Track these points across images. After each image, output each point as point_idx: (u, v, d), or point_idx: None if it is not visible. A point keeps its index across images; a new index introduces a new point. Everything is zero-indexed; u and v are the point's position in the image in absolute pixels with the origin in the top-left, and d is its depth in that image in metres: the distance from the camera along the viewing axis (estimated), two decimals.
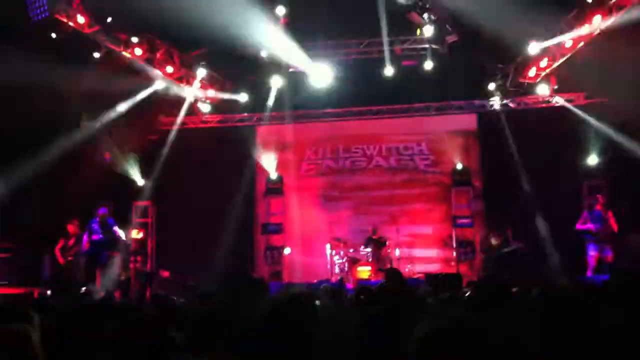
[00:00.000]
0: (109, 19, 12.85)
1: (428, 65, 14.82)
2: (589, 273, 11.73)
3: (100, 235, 12.62)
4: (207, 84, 15.70)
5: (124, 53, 13.60)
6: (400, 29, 15.15)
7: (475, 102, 15.32)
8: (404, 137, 15.69)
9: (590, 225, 11.97)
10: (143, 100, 14.67)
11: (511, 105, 15.33)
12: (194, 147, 15.45)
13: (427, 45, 15.09)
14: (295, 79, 15.65)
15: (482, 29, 13.38)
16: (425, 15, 14.39)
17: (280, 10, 14.08)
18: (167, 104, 15.69)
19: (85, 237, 12.58)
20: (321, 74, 15.18)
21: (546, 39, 14.06)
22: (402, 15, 14.62)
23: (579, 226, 12.18)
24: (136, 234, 15.26)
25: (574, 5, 13.21)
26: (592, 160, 14.11)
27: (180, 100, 15.67)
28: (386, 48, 14.78)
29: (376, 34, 15.29)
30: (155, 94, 14.84)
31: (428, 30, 14.40)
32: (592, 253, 11.91)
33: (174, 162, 15.24)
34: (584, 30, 13.39)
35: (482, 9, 13.05)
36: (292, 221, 15.58)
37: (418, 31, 15.14)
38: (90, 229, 12.60)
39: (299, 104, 15.93)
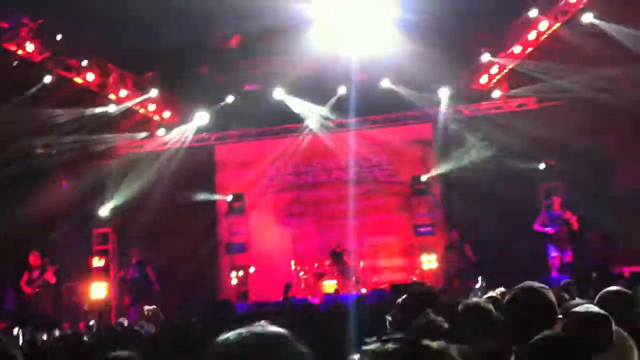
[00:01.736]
0: (59, 41, 12.67)
1: (383, 79, 14.97)
2: (554, 273, 11.91)
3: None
4: (162, 105, 15.60)
5: (76, 79, 13.45)
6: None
7: (429, 111, 15.47)
8: (361, 149, 15.76)
9: (548, 229, 12.17)
10: (98, 125, 14.49)
11: (465, 112, 15.55)
12: (152, 169, 15.29)
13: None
14: (251, 96, 15.67)
15: (434, 37, 13.61)
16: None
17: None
18: (123, 127, 15.53)
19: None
20: (275, 91, 15.24)
21: (496, 46, 14.37)
22: None
23: (537, 227, 12.37)
24: (97, 262, 15.04)
25: (519, 13, 13.50)
26: (545, 163, 14.36)
27: (136, 124, 15.56)
28: None
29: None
30: (110, 118, 14.67)
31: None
32: (553, 254, 12.12)
33: (132, 186, 15.05)
34: (531, 36, 13.73)
35: (433, 17, 13.31)
36: (256, 239, 15.51)
37: None
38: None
39: (256, 121, 15.93)
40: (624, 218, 12.73)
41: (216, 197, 15.83)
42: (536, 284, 3.60)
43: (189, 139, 15.77)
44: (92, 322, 11.95)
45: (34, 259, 12.74)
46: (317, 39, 14.65)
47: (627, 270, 10.30)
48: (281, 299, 12.29)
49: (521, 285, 3.65)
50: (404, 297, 4.74)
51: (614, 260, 12.32)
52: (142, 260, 13.99)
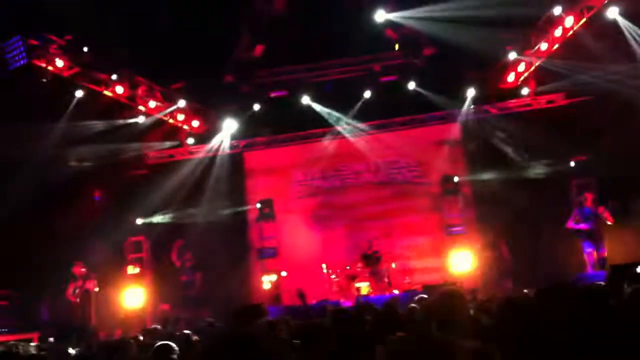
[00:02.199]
0: (86, 55, 12.94)
1: (409, 82, 15.03)
2: (589, 270, 11.79)
3: None
4: (190, 115, 15.82)
5: (106, 92, 13.72)
6: (377, 46, 15.38)
7: (456, 111, 15.45)
8: (390, 151, 15.78)
9: (582, 225, 12.05)
10: (129, 136, 14.74)
11: (493, 110, 15.49)
12: (183, 178, 15.50)
13: (404, 60, 15.34)
14: (277, 103, 15.84)
15: (457, 39, 13.61)
16: (400, 31, 14.68)
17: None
18: (153, 138, 15.78)
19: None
20: (302, 96, 15.41)
21: (522, 43, 14.30)
22: (378, 33, 14.87)
23: (570, 225, 12.25)
24: (132, 269, 15.26)
25: (545, 9, 13.43)
26: (576, 159, 14.23)
27: (166, 134, 15.80)
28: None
29: (354, 53, 15.56)
30: (140, 128, 14.92)
31: (404, 45, 14.74)
32: (588, 250, 11.99)
33: (164, 195, 15.26)
34: (557, 32, 13.64)
35: (457, 19, 13.33)
36: (286, 244, 15.60)
37: (396, 46, 15.41)
38: None
39: (283, 127, 16.08)
40: None
41: (246, 203, 15.98)
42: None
43: (220, 147, 15.93)
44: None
45: (78, 269, 13.20)
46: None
47: None
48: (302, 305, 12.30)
49: None
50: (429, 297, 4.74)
51: None
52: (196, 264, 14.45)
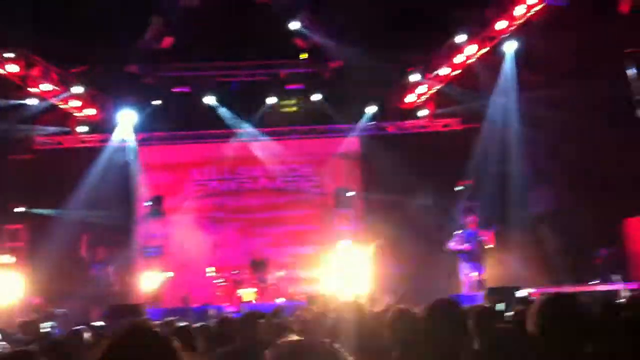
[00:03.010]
0: None
1: (313, 92, 15.17)
2: (466, 290, 12.20)
3: None
4: (86, 102, 15.20)
5: None
6: (285, 53, 15.43)
7: (357, 125, 15.72)
8: (288, 159, 15.83)
9: (465, 246, 12.46)
10: (18, 118, 14.00)
11: (391, 129, 15.87)
12: (71, 167, 14.84)
13: (310, 70, 15.47)
14: (179, 99, 15.53)
15: (363, 55, 13.88)
16: (310, 41, 14.82)
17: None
18: (44, 122, 15.05)
19: None
20: (206, 96, 15.19)
21: (424, 66, 14.75)
22: (287, 40, 14.94)
23: (452, 246, 12.65)
24: (8, 259, 14.42)
25: (449, 35, 13.91)
26: (466, 182, 14.78)
27: (58, 119, 15.11)
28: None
29: (261, 58, 15.54)
30: (31, 111, 14.19)
31: (311, 56, 14.88)
32: (466, 271, 12.40)
33: (49, 184, 14.56)
34: (458, 59, 14.16)
35: (364, 36, 13.60)
36: (175, 244, 15.23)
37: (302, 56, 15.51)
38: None
39: (184, 124, 15.78)
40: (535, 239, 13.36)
41: (137, 198, 15.52)
42: None
43: (115, 139, 15.40)
44: None
45: None
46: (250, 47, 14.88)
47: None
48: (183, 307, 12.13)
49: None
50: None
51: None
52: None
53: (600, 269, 11.85)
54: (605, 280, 10.70)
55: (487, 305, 7.07)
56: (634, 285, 10.11)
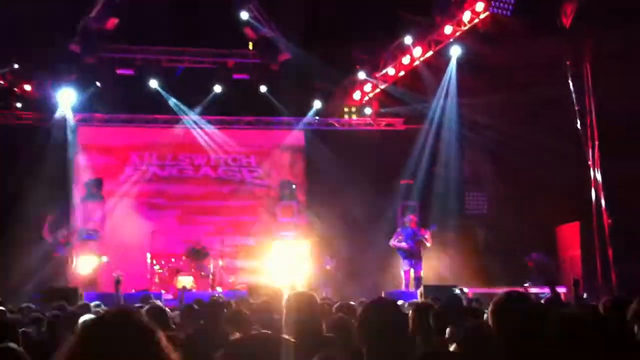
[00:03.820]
0: None
1: (261, 84, 15.17)
2: (404, 288, 12.50)
3: None
4: (23, 78, 14.69)
5: None
6: (234, 43, 15.36)
7: (303, 119, 15.83)
8: (232, 149, 15.77)
9: (404, 244, 12.75)
10: None
11: (336, 125, 16.07)
12: (6, 145, 14.34)
13: (258, 61, 15.45)
14: (123, 81, 15.22)
15: (312, 50, 14.02)
16: (259, 32, 14.81)
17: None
18: None
19: None
20: (150, 80, 14.95)
21: (371, 65, 15.00)
22: (236, 30, 14.88)
23: (393, 243, 12.94)
24: None
25: (397, 36, 14.20)
26: (406, 181, 15.14)
27: None
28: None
29: (209, 45, 15.41)
30: None
31: (260, 47, 14.90)
32: (405, 269, 12.70)
33: None
34: (405, 60, 14.47)
35: (312, 32, 13.74)
36: (112, 228, 14.93)
37: (251, 46, 15.47)
38: None
39: (126, 107, 15.48)
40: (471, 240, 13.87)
41: (74, 180, 15.13)
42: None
43: (52, 117, 14.94)
44: None
45: None
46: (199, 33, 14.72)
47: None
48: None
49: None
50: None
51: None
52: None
53: (532, 273, 12.39)
54: (535, 284, 11.19)
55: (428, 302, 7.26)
56: (563, 289, 10.63)
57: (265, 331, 2.53)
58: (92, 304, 7.85)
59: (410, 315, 4.89)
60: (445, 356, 3.69)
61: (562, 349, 3.12)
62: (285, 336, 2.32)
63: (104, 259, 14.39)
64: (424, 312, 4.88)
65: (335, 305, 6.15)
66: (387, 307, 3.49)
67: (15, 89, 14.88)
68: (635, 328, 2.68)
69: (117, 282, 12.00)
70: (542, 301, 6.04)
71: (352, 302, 6.63)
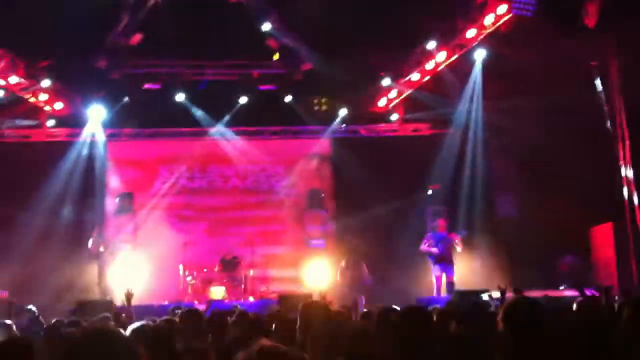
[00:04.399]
0: None
1: (286, 93, 15.27)
2: (436, 294, 12.48)
3: None
4: (54, 96, 14.96)
5: None
6: (258, 54, 15.48)
7: (329, 127, 15.90)
8: (260, 159, 15.88)
9: (434, 249, 12.72)
10: None
11: (362, 132, 16.12)
12: (38, 161, 14.62)
13: (282, 71, 15.56)
14: (149, 95, 15.42)
15: (335, 58, 14.07)
16: (282, 42, 14.91)
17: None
18: (10, 115, 14.78)
19: None
20: (176, 94, 15.14)
21: (396, 71, 15.01)
22: (260, 41, 14.99)
23: (423, 248, 12.92)
24: None
25: (420, 41, 14.19)
26: (434, 186, 15.12)
27: (26, 113, 14.84)
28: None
29: (233, 57, 15.55)
30: None
31: (283, 57, 15.00)
32: (436, 274, 12.67)
33: (15, 177, 14.30)
34: (429, 65, 14.46)
35: (335, 40, 13.78)
36: (144, 241, 15.11)
37: (275, 56, 15.57)
38: None
39: (153, 121, 15.69)
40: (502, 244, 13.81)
41: (106, 194, 15.38)
42: None
43: (84, 134, 15.21)
44: None
45: None
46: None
47: None
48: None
49: None
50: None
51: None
52: None
53: (565, 276, 12.29)
54: (570, 287, 11.09)
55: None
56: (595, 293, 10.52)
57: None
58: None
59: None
60: None
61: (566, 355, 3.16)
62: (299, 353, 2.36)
63: (137, 271, 14.56)
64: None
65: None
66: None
67: (47, 107, 15.15)
68: None
69: (128, 297, 12.10)
70: (575, 305, 5.97)
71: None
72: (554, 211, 13.10)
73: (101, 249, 13.31)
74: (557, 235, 13.00)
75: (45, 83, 14.24)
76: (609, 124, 12.28)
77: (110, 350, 2.07)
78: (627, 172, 12.02)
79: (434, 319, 4.89)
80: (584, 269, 12.73)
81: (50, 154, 14.95)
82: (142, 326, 4.86)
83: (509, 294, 7.95)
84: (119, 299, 12.95)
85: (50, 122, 15.53)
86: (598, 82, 12.46)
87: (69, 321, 7.87)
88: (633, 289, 10.33)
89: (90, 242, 13.38)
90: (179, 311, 8.51)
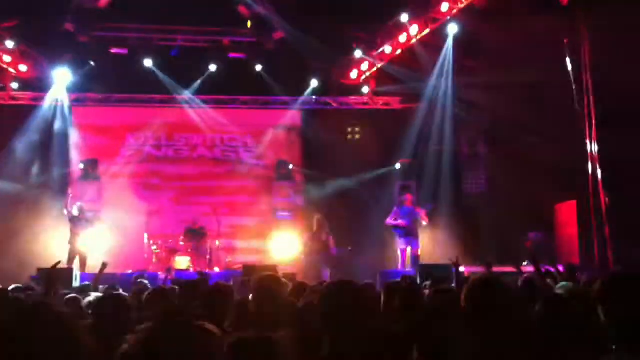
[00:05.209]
0: None
1: (256, 63, 15.03)
2: (400, 267, 12.53)
3: None
4: (19, 58, 14.56)
5: None
6: (230, 21, 15.19)
7: (299, 98, 15.74)
8: (228, 128, 15.70)
9: (400, 222, 12.75)
10: None
11: (333, 104, 15.99)
12: (2, 125, 14.31)
13: (254, 39, 15.30)
14: (117, 60, 15.07)
15: (307, 28, 13.87)
16: (253, 10, 14.64)
17: None
18: None
19: None
20: (144, 59, 14.82)
21: (368, 43, 14.86)
22: (232, 8, 14.70)
23: (389, 222, 12.93)
24: None
25: (393, 14, 14.04)
26: (403, 160, 15.10)
27: None
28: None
29: (204, 24, 15.23)
30: None
31: (254, 25, 14.73)
32: (401, 247, 12.71)
33: None
34: (402, 38, 14.33)
35: (308, 8, 13.56)
36: (109, 208, 14.88)
37: (249, 24, 15.30)
38: None
39: (121, 87, 15.37)
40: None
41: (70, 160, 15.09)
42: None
43: (48, 97, 14.85)
44: None
45: None
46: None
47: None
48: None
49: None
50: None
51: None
52: None
53: (528, 252, 12.35)
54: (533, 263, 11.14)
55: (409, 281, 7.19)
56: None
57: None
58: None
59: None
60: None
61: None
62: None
63: (100, 239, 14.33)
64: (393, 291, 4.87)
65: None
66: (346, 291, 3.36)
67: (11, 70, 14.75)
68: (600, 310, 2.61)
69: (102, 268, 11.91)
70: (520, 280, 5.96)
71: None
72: (522, 188, 13.16)
73: (75, 213, 12.96)
74: (524, 211, 13.09)
75: (10, 44, 13.86)
76: (576, 101, 12.28)
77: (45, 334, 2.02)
78: (593, 147, 12.04)
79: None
80: (547, 245, 12.84)
81: (14, 117, 14.60)
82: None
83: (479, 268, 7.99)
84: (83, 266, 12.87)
85: (14, 85, 15.11)
86: (568, 59, 12.42)
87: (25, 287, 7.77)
88: (577, 266, 10.35)
89: (67, 207, 13.05)
90: (140, 280, 8.48)
